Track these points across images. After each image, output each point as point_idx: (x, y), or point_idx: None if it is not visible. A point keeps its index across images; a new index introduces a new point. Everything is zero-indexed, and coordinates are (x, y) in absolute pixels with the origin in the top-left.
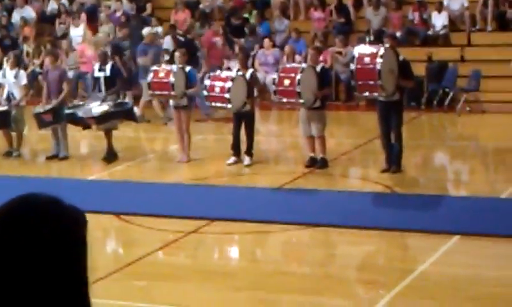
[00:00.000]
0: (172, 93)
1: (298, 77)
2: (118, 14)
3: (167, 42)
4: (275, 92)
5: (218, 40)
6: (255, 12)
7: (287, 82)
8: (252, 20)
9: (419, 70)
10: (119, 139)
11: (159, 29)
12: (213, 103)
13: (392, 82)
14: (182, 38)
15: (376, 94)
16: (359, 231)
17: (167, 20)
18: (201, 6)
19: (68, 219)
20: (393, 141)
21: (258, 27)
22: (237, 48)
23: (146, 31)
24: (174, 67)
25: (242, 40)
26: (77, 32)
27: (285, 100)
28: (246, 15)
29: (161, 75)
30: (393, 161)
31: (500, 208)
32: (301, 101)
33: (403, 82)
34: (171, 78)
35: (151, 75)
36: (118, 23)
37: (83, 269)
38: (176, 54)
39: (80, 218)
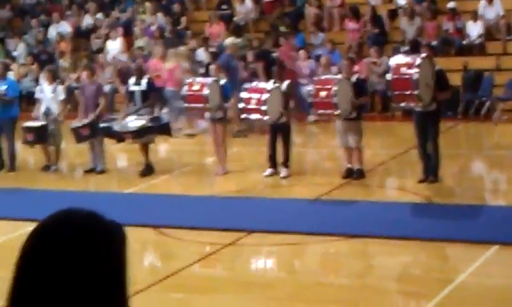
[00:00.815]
0: (206, 105)
1: (334, 88)
2: (153, 28)
3: (201, 55)
4: (311, 104)
5: (295, 54)
6: (286, 23)
7: (323, 93)
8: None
9: (455, 79)
10: (156, 151)
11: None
12: (249, 116)
13: (428, 92)
14: (214, 50)
15: (412, 104)
16: (397, 242)
17: (201, 33)
18: (235, 18)
19: (106, 234)
20: (430, 151)
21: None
22: None
23: (229, 41)
24: (209, 80)
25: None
26: (114, 46)
27: (321, 111)
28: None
29: (195, 87)
30: (431, 171)
31: None
32: (338, 112)
33: (440, 95)
34: (206, 91)
35: (185, 87)
36: (152, 37)
37: (122, 283)
38: (211, 66)
39: (119, 232)
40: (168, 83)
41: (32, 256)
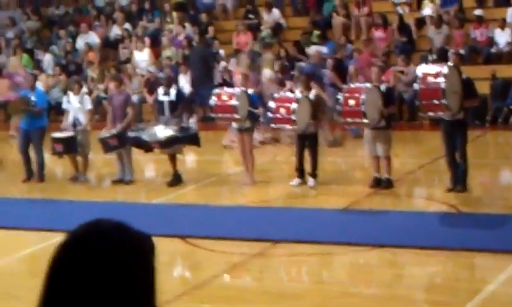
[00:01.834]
0: (235, 115)
1: (363, 97)
2: (180, 38)
3: (233, 64)
4: (340, 113)
5: (375, 60)
6: (316, 33)
7: (351, 102)
8: (314, 40)
9: (483, 88)
10: (183, 161)
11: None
12: (278, 125)
13: (456, 101)
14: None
15: (440, 113)
16: (425, 251)
17: (229, 42)
18: (262, 27)
19: (135, 245)
20: (458, 160)
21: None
22: (298, 70)
23: (313, 49)
24: (237, 90)
25: (304, 62)
26: (142, 56)
27: (350, 120)
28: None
29: (224, 98)
30: (459, 180)
31: None
32: (366, 121)
33: (468, 102)
34: (234, 101)
35: (214, 98)
36: (180, 46)
37: (152, 293)
38: (238, 77)
39: (148, 243)
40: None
41: (62, 267)
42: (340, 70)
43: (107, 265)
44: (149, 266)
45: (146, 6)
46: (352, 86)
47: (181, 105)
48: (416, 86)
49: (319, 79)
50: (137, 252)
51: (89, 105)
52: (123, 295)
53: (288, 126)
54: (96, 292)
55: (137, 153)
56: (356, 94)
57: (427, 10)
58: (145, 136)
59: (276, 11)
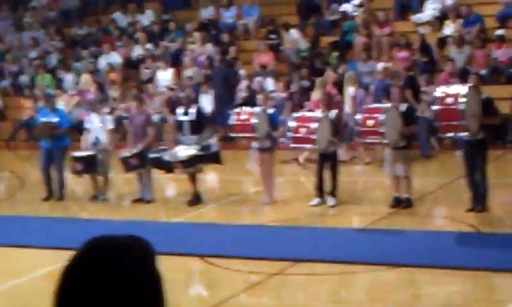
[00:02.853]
0: (255, 134)
1: (382, 117)
2: (202, 58)
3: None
4: (359, 133)
5: (454, 81)
6: (335, 54)
7: (370, 122)
8: (332, 62)
9: (504, 108)
10: (203, 181)
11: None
12: (298, 145)
13: (475, 121)
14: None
15: (460, 134)
16: (444, 271)
17: (250, 62)
18: (281, 48)
19: (139, 253)
20: (478, 179)
21: (341, 67)
22: None
23: (381, 65)
24: (257, 109)
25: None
26: (165, 76)
27: (369, 140)
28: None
29: (243, 117)
30: (479, 200)
31: None
32: (385, 141)
33: (488, 120)
34: (254, 120)
35: (233, 117)
36: (201, 66)
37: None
38: (259, 96)
39: (149, 249)
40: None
41: (69, 287)
42: (414, 86)
43: (113, 278)
44: (155, 272)
45: (169, 26)
46: (371, 106)
47: (205, 125)
48: (435, 107)
49: (387, 95)
50: (142, 260)
51: (110, 125)
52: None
53: (308, 146)
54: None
55: (157, 172)
56: (375, 115)
57: (449, 30)
58: (167, 157)
59: (293, 32)
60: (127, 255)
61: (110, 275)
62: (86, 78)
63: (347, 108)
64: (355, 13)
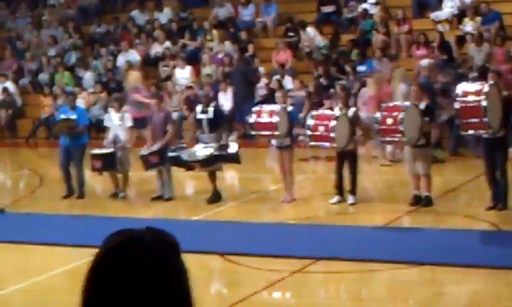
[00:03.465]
0: (276, 132)
1: (401, 115)
2: (220, 55)
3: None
4: (378, 131)
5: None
6: (356, 51)
7: (389, 121)
8: (353, 58)
9: None
10: (223, 179)
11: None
12: (317, 143)
13: (496, 119)
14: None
15: (481, 131)
16: (465, 270)
17: (268, 60)
18: (300, 45)
19: (164, 248)
20: (499, 177)
21: (360, 65)
22: (338, 88)
23: (425, 62)
24: (277, 107)
25: (344, 80)
26: (183, 74)
27: (388, 139)
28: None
29: (264, 115)
30: (499, 198)
31: None
32: (404, 139)
33: (507, 117)
34: (275, 118)
35: (253, 115)
36: (220, 64)
37: (189, 292)
38: (278, 94)
39: (174, 241)
40: (369, 108)
41: (99, 280)
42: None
43: (138, 275)
44: (180, 266)
45: (187, 24)
46: (390, 104)
47: (222, 123)
48: (456, 104)
49: (432, 90)
50: (166, 255)
51: (129, 123)
52: (162, 299)
53: (327, 144)
54: (135, 300)
55: (177, 171)
56: (394, 113)
57: (468, 28)
58: (185, 156)
59: (310, 30)
60: (151, 250)
61: (135, 272)
62: (136, 75)
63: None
64: (372, 12)
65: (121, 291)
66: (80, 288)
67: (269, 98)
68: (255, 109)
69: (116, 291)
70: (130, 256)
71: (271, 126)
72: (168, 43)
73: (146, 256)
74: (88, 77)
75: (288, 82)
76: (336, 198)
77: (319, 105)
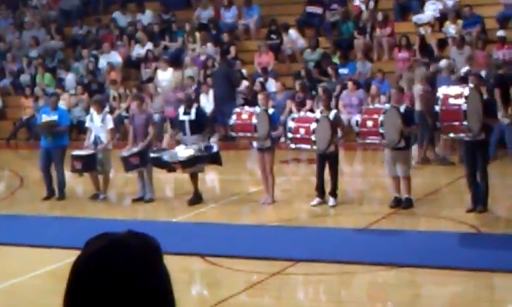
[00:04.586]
0: (255, 134)
1: (381, 118)
2: (203, 57)
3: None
4: (358, 133)
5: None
6: (338, 53)
7: (369, 123)
8: (335, 61)
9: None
10: (204, 180)
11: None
12: (297, 145)
13: (477, 122)
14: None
15: (461, 135)
16: (445, 272)
17: (250, 62)
18: (282, 47)
19: (146, 251)
20: (479, 180)
21: (342, 68)
22: (320, 90)
23: (444, 63)
24: (257, 109)
25: (325, 82)
26: (165, 76)
27: (368, 141)
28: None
29: (244, 116)
30: (479, 201)
31: None
32: (385, 142)
33: (489, 121)
34: (254, 120)
35: (234, 117)
36: (202, 66)
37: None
38: (260, 96)
39: (156, 245)
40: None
41: (81, 284)
42: (504, 86)
43: (126, 277)
44: (161, 270)
45: (169, 26)
46: (371, 107)
47: (205, 125)
48: (437, 108)
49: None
50: (148, 259)
51: (111, 124)
52: (145, 304)
53: (308, 146)
54: (118, 305)
55: (158, 172)
56: (375, 116)
57: (449, 31)
58: (166, 157)
59: (292, 32)
60: (135, 255)
61: (118, 277)
62: (177, 74)
63: (417, 106)
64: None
65: (104, 296)
66: (63, 292)
67: (251, 100)
68: (235, 110)
69: (98, 296)
70: (113, 260)
71: (251, 128)
72: (149, 45)
73: (130, 261)
74: (69, 78)
75: (271, 85)
76: (317, 200)
77: (302, 105)
